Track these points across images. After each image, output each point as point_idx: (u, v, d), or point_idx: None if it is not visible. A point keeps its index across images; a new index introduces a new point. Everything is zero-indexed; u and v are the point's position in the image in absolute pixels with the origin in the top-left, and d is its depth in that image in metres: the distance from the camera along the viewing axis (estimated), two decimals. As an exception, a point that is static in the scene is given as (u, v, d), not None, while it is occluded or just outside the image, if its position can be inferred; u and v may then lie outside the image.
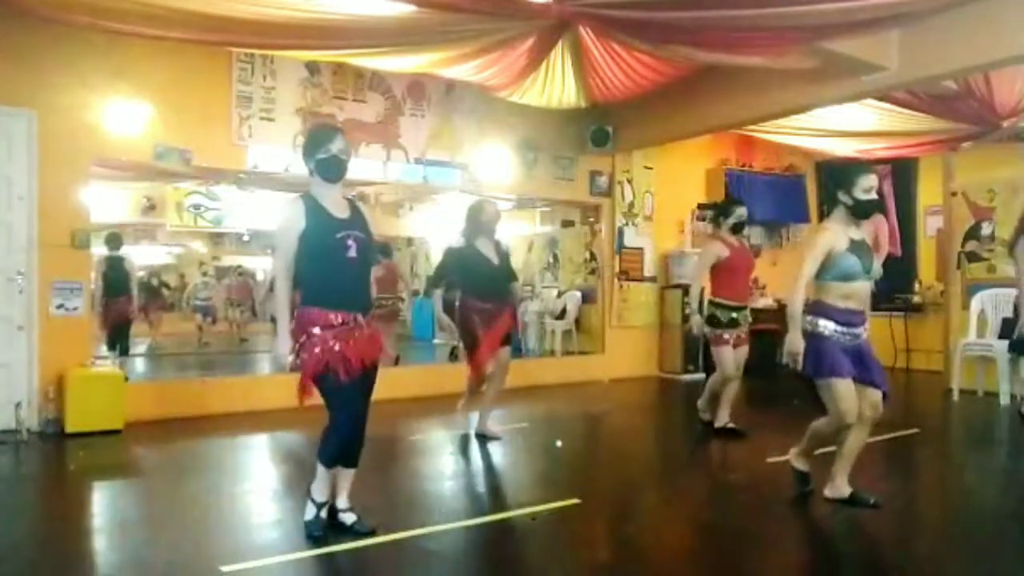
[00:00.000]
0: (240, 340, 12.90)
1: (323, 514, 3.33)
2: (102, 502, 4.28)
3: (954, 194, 7.94)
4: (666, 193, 9.16)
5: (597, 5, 4.98)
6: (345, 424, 3.23)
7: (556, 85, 6.65)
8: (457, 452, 5.18)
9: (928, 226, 9.56)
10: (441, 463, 5.05)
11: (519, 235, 10.93)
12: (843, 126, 7.76)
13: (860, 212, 3.60)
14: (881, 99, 6.76)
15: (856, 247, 3.58)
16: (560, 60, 6.14)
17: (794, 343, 3.55)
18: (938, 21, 5.12)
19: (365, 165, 7.08)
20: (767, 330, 8.38)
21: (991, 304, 7.21)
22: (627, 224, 8.92)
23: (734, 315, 5.42)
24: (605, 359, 8.76)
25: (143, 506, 4.07)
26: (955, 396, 7.21)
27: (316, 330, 3.13)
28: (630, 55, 6.11)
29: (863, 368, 3.59)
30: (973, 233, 7.79)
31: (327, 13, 4.87)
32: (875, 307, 9.47)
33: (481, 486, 4.57)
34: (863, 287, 3.62)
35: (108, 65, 5.75)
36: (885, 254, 9.46)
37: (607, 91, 6.90)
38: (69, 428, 5.35)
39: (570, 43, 5.83)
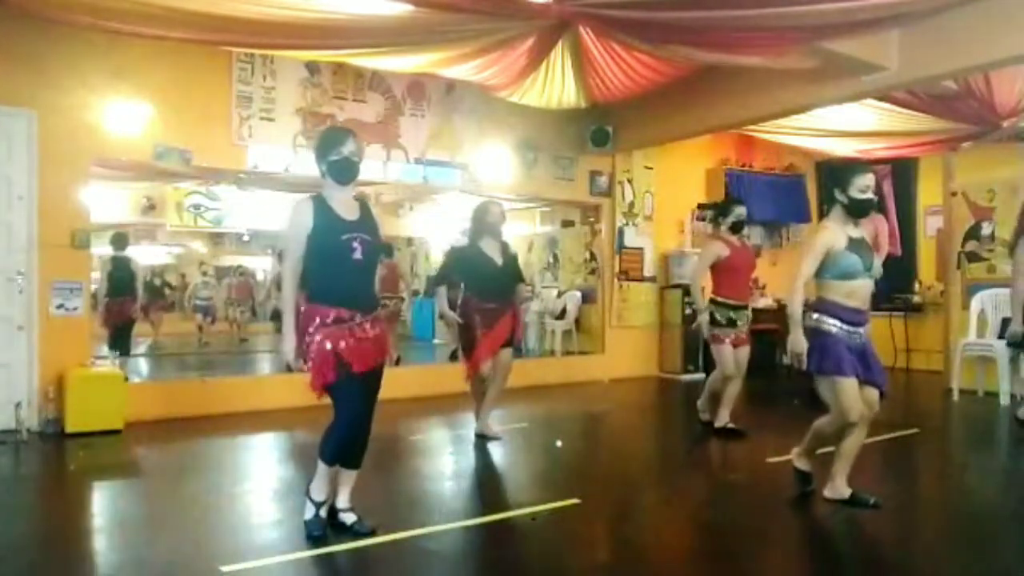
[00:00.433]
0: (240, 340, 12.91)
1: (322, 513, 3.33)
2: (102, 502, 4.28)
3: (954, 194, 7.94)
4: (666, 193, 9.17)
5: (597, 5, 4.98)
6: (346, 421, 3.23)
7: (556, 85, 6.65)
8: (457, 452, 5.18)
9: (928, 226, 9.57)
10: (441, 463, 5.05)
11: (519, 235, 10.93)
12: (843, 126, 7.76)
13: (856, 211, 3.62)
14: (881, 99, 6.76)
15: (855, 245, 3.59)
16: (560, 60, 6.14)
17: (796, 343, 3.56)
18: (938, 21, 5.12)
19: (365, 165, 7.04)
20: (767, 330, 8.38)
21: (991, 304, 7.21)
22: (627, 224, 8.92)
23: (732, 314, 5.42)
24: (605, 359, 8.76)
25: (143, 506, 4.07)
26: (955, 396, 7.21)
27: (317, 322, 3.16)
28: (630, 55, 6.11)
29: (864, 367, 3.59)
30: (973, 233, 7.79)
31: (327, 13, 4.87)
32: (875, 307, 9.39)
33: (481, 486, 4.57)
34: (864, 286, 3.63)
35: (108, 65, 5.75)
36: (885, 254, 9.50)
37: (607, 91, 6.90)
38: (69, 428, 5.35)
39: (570, 43, 5.83)
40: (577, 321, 9.64)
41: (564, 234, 10.41)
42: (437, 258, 13.24)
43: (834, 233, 3.59)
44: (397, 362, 8.34)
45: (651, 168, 9.05)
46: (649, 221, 9.07)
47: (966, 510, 4.06)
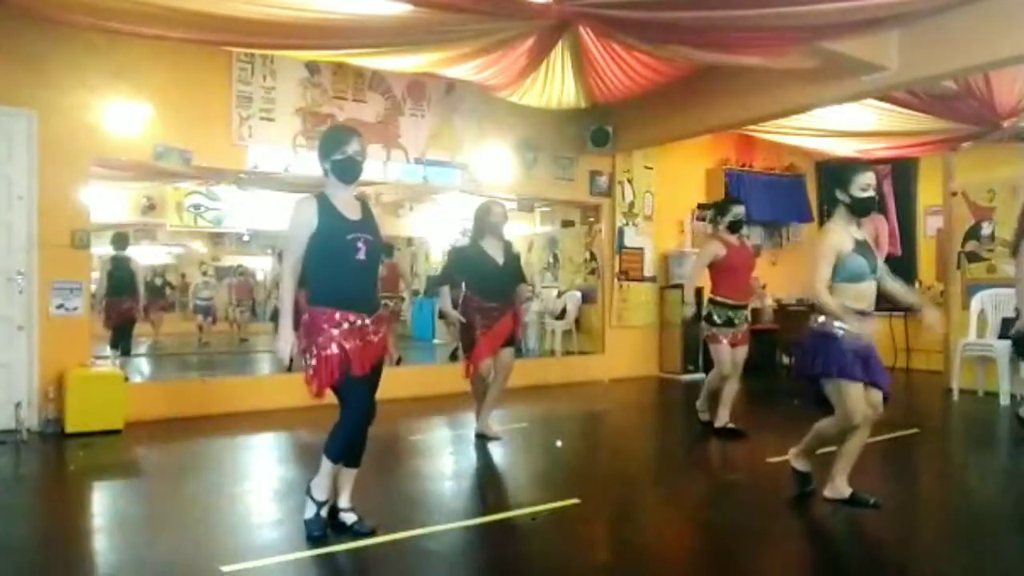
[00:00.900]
0: (240, 340, 12.91)
1: (323, 513, 3.32)
2: (102, 502, 4.28)
3: (954, 194, 7.94)
4: (666, 193, 9.17)
5: (597, 5, 4.98)
6: (354, 420, 3.24)
7: (556, 85, 6.65)
8: (457, 452, 5.18)
9: (928, 226, 9.57)
10: (441, 463, 5.05)
11: (519, 235, 10.93)
12: (843, 126, 7.76)
13: (858, 210, 3.62)
14: (881, 99, 6.76)
15: (860, 247, 3.59)
16: (560, 60, 6.14)
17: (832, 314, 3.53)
18: (938, 21, 5.12)
19: (365, 165, 7.06)
20: (767, 330, 8.39)
21: (991, 304, 7.21)
22: (627, 224, 8.92)
23: (731, 314, 5.41)
24: (605, 359, 8.76)
25: (143, 506, 4.07)
26: (955, 396, 7.21)
27: (328, 330, 3.14)
28: (630, 55, 6.11)
29: (868, 369, 3.59)
30: (973, 233, 7.78)
31: (327, 13, 4.87)
32: (875, 307, 9.50)
33: (481, 486, 4.57)
34: (871, 288, 3.63)
35: (108, 65, 5.75)
36: (885, 254, 9.51)
37: (607, 91, 6.89)
38: (69, 428, 5.35)
39: (570, 43, 5.83)
40: (577, 321, 9.64)
41: (564, 234, 10.41)
42: (437, 258, 13.27)
43: (840, 236, 3.59)
44: (398, 362, 8.35)
45: (651, 168, 9.05)
46: (649, 221, 9.07)
47: (966, 510, 4.06)
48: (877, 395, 3.65)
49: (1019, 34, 4.85)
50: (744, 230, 5.70)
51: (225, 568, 2.95)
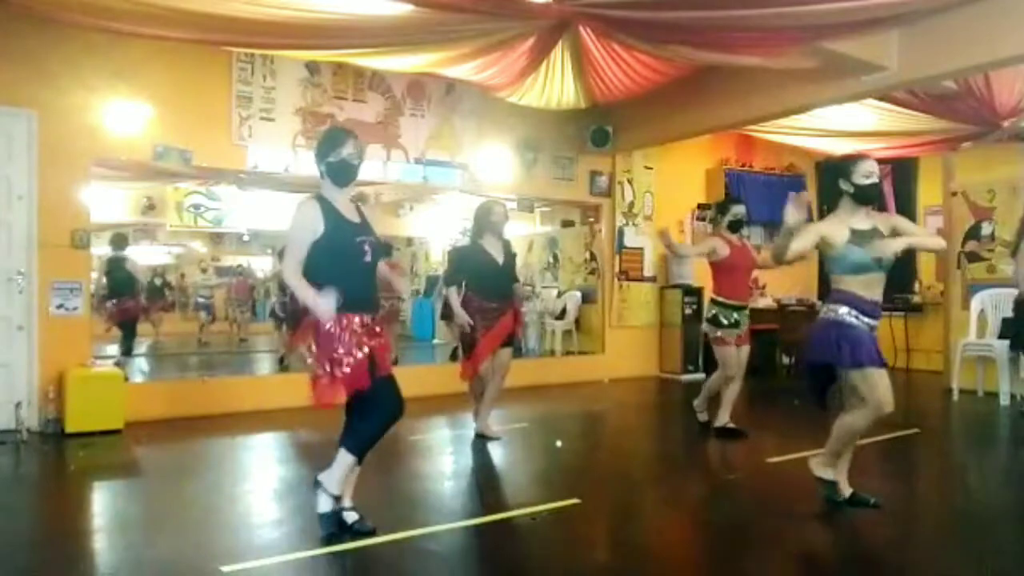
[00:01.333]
0: (240, 340, 12.91)
1: (336, 507, 3.28)
2: (102, 502, 4.28)
3: (954, 194, 7.94)
4: (666, 193, 9.17)
5: (597, 5, 4.98)
6: (386, 418, 3.30)
7: (556, 85, 6.65)
8: (457, 452, 5.18)
9: (928, 226, 9.54)
10: (441, 463, 5.05)
11: (519, 235, 10.94)
12: (843, 126, 7.75)
13: (863, 197, 3.57)
14: (881, 99, 6.76)
15: (861, 237, 3.51)
16: (560, 60, 6.14)
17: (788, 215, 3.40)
18: (938, 21, 5.12)
19: (365, 165, 7.05)
20: (767, 330, 8.39)
21: (991, 304, 7.21)
22: (627, 224, 8.92)
23: (736, 316, 5.39)
24: (605, 359, 8.76)
25: (143, 506, 4.07)
26: (955, 396, 7.21)
27: (348, 335, 3.14)
28: (630, 55, 6.11)
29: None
30: (973, 233, 7.78)
31: (327, 13, 4.87)
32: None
33: (481, 486, 4.57)
34: (879, 279, 3.57)
35: (108, 65, 5.75)
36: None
37: (607, 91, 6.89)
38: (69, 428, 5.35)
39: (570, 43, 5.82)
40: (577, 321, 9.64)
41: (564, 234, 10.41)
42: (437, 258, 13.28)
43: (831, 224, 3.56)
44: (395, 362, 8.35)
45: (651, 168, 9.05)
46: (649, 221, 9.07)
47: (966, 510, 4.06)
48: None
49: (1019, 34, 4.84)
50: (744, 230, 5.69)
51: (225, 568, 2.95)
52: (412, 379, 7.29)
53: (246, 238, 13.29)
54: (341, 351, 3.12)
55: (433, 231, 12.48)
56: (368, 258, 3.26)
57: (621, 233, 8.87)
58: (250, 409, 6.20)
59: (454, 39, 5.46)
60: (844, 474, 3.76)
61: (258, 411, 6.19)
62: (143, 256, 12.77)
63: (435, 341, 12.24)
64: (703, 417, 5.70)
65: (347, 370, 3.11)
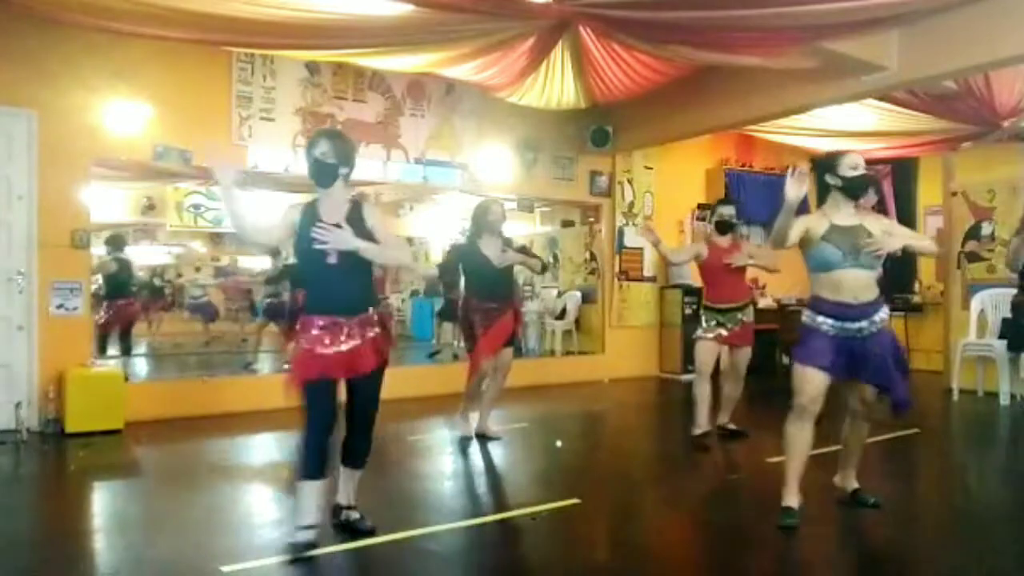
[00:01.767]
0: (241, 340, 12.87)
1: (311, 536, 3.09)
2: (102, 502, 4.28)
3: (954, 194, 7.94)
4: (666, 193, 9.17)
5: (597, 5, 4.98)
6: (312, 427, 3.14)
7: (556, 85, 6.65)
8: (457, 452, 5.18)
9: (928, 226, 9.56)
10: (441, 463, 5.05)
11: (519, 235, 10.93)
12: (843, 126, 7.76)
13: (851, 190, 3.50)
14: (881, 99, 6.76)
15: (838, 233, 3.44)
16: (560, 60, 6.14)
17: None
18: (938, 21, 5.12)
19: (365, 165, 7.08)
20: (767, 330, 8.38)
21: (991, 304, 7.20)
22: (627, 224, 8.92)
23: (720, 318, 5.24)
24: (605, 359, 8.76)
25: (143, 506, 4.07)
26: (955, 396, 7.21)
27: (306, 333, 3.15)
28: (630, 55, 6.11)
29: (856, 366, 3.44)
30: (973, 233, 7.78)
31: (327, 13, 4.87)
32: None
33: (481, 486, 4.57)
34: (852, 277, 3.41)
35: (108, 65, 5.75)
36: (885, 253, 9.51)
37: (607, 91, 6.89)
38: (69, 428, 5.35)
39: (570, 43, 5.83)
40: (577, 321, 9.63)
41: (564, 234, 10.41)
42: (437, 258, 13.25)
43: (815, 218, 3.54)
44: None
45: (651, 168, 9.05)
46: (649, 221, 9.06)
47: (966, 510, 4.06)
48: (866, 389, 3.57)
49: (1019, 34, 4.85)
50: (744, 230, 5.66)
51: (225, 568, 2.95)
52: (412, 379, 7.37)
53: (246, 238, 13.22)
54: (297, 350, 3.15)
55: (433, 231, 12.47)
56: (332, 260, 3.10)
57: (621, 233, 8.87)
58: (250, 409, 6.20)
59: (454, 39, 5.46)
60: (852, 474, 3.80)
61: (258, 411, 6.18)
62: (143, 256, 12.77)
63: (435, 341, 12.23)
64: (726, 422, 5.51)
65: (290, 368, 3.13)
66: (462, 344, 6.14)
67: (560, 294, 10.11)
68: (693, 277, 8.76)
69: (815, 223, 3.52)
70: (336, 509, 3.40)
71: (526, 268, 5.61)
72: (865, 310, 3.43)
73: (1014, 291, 5.92)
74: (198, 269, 13.43)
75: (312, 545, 3.09)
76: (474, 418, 5.44)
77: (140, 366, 9.45)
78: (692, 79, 6.73)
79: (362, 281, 3.25)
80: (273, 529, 3.53)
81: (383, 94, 7.20)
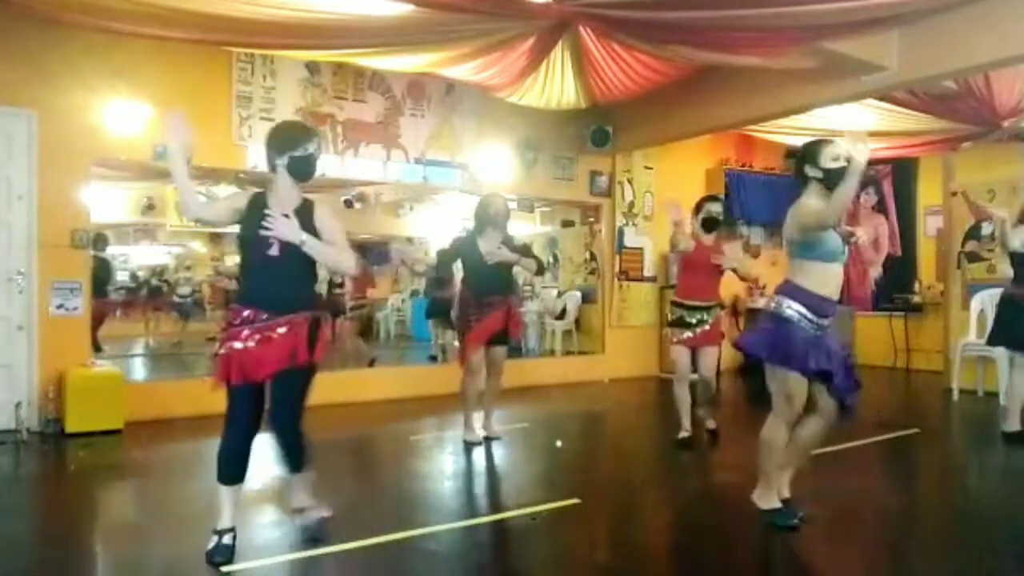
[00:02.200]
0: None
1: (226, 540, 3.05)
2: (102, 502, 4.28)
3: (954, 194, 7.94)
4: (666, 193, 9.10)
5: (597, 5, 4.98)
6: (227, 431, 3.13)
7: (556, 85, 6.65)
8: (457, 452, 5.18)
9: (928, 226, 9.56)
10: (441, 463, 5.05)
11: (519, 235, 10.92)
12: (843, 126, 7.74)
13: (832, 182, 3.27)
14: (881, 99, 6.76)
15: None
16: (560, 60, 6.14)
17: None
18: (938, 21, 5.12)
19: (365, 165, 7.09)
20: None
21: (991, 304, 7.17)
22: (627, 224, 8.92)
23: (683, 313, 5.19)
24: (605, 359, 8.76)
25: (143, 506, 4.08)
26: (955, 396, 7.21)
27: (229, 327, 3.04)
28: (630, 55, 6.11)
29: (830, 364, 3.33)
30: (973, 233, 7.79)
31: (327, 13, 4.87)
32: (875, 307, 9.53)
33: (481, 486, 4.57)
34: (837, 271, 3.37)
35: (108, 65, 5.75)
36: (885, 254, 9.52)
37: (607, 91, 6.89)
38: (69, 428, 5.34)
39: (570, 43, 5.82)
40: (577, 321, 9.64)
41: (564, 234, 10.41)
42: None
43: (818, 202, 3.31)
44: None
45: (651, 168, 9.06)
46: (649, 221, 9.07)
47: (966, 510, 4.06)
48: (831, 388, 3.38)
49: (1019, 34, 4.84)
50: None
51: (225, 568, 2.95)
52: (412, 379, 7.38)
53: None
54: (219, 343, 3.05)
55: (433, 231, 12.47)
56: (274, 251, 2.98)
57: (621, 233, 8.88)
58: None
59: (454, 39, 5.46)
60: (784, 482, 3.60)
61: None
62: (143, 256, 12.78)
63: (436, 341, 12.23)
64: (711, 425, 5.52)
65: (213, 363, 3.01)
66: (456, 343, 6.11)
67: (560, 294, 10.12)
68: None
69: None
70: (298, 512, 3.35)
71: (523, 269, 5.48)
72: (835, 307, 3.39)
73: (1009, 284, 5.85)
74: (189, 268, 13.40)
75: (229, 549, 3.03)
76: (478, 420, 5.42)
77: (137, 366, 9.45)
78: (692, 79, 6.72)
79: (300, 280, 3.11)
80: (273, 529, 3.53)
81: (383, 94, 7.20)
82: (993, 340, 5.82)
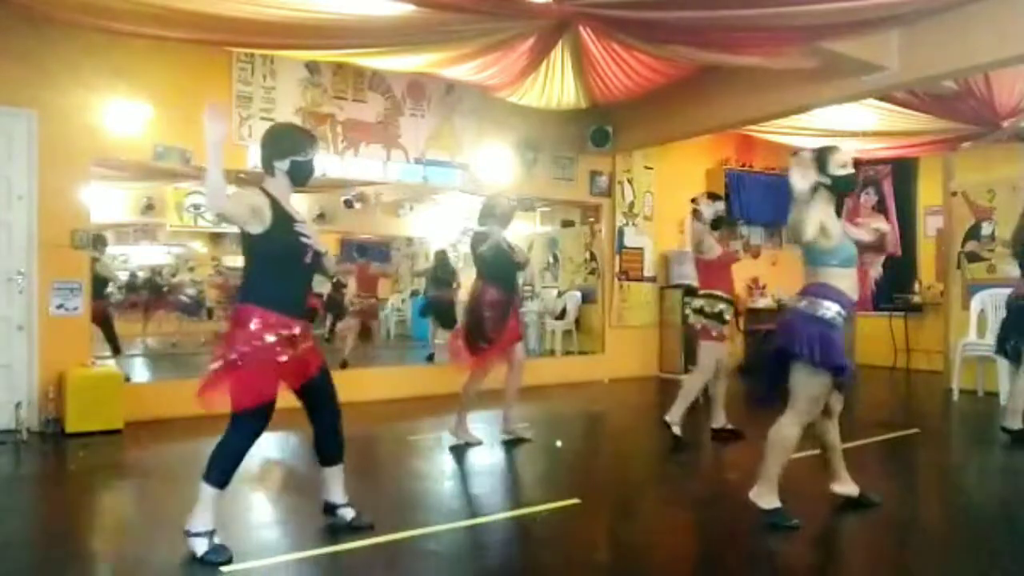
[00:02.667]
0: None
1: (216, 540, 3.05)
2: (102, 502, 4.28)
3: (954, 194, 7.94)
4: (666, 193, 9.16)
5: (597, 5, 4.98)
6: (243, 437, 3.22)
7: (556, 85, 6.65)
8: (457, 452, 5.19)
9: (928, 226, 9.57)
10: (441, 463, 5.05)
11: (520, 235, 10.92)
12: (843, 126, 7.76)
13: (840, 188, 3.37)
14: (881, 99, 6.76)
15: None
16: (560, 60, 6.14)
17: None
18: (938, 21, 5.13)
19: (365, 165, 7.09)
20: (767, 330, 8.37)
21: (991, 304, 7.19)
22: (627, 224, 8.92)
23: (723, 308, 5.37)
24: (605, 359, 8.76)
25: (143, 506, 4.08)
26: (955, 396, 7.21)
27: (256, 339, 2.99)
28: (630, 55, 6.11)
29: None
30: (973, 233, 7.78)
31: (327, 13, 4.87)
32: (875, 307, 9.53)
33: (481, 486, 4.57)
34: (853, 274, 3.46)
35: (108, 65, 5.75)
36: (885, 254, 9.51)
37: (607, 91, 6.90)
38: (69, 428, 5.34)
39: (570, 43, 5.83)
40: (577, 321, 9.64)
41: (564, 234, 10.41)
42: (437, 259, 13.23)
43: (825, 213, 3.34)
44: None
45: (651, 168, 9.06)
46: (649, 221, 9.07)
47: (966, 510, 4.06)
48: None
49: (1019, 34, 4.85)
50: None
51: (225, 568, 2.95)
52: (412, 379, 7.37)
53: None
54: (250, 347, 2.98)
55: (433, 231, 12.47)
56: (308, 259, 3.07)
57: (621, 233, 8.88)
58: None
59: (454, 39, 5.47)
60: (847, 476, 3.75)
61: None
62: (144, 256, 12.75)
63: (436, 341, 12.22)
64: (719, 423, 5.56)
65: (245, 368, 2.97)
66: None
67: (560, 294, 10.12)
68: (694, 277, 8.77)
69: (829, 220, 3.36)
70: (330, 508, 3.38)
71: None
72: (854, 308, 3.49)
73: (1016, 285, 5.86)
74: (192, 269, 13.39)
75: (223, 548, 3.03)
76: (471, 422, 5.39)
77: (138, 365, 9.44)
78: (692, 79, 6.73)
79: (309, 286, 3.26)
80: (273, 529, 3.54)
81: (383, 94, 7.20)
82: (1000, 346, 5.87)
